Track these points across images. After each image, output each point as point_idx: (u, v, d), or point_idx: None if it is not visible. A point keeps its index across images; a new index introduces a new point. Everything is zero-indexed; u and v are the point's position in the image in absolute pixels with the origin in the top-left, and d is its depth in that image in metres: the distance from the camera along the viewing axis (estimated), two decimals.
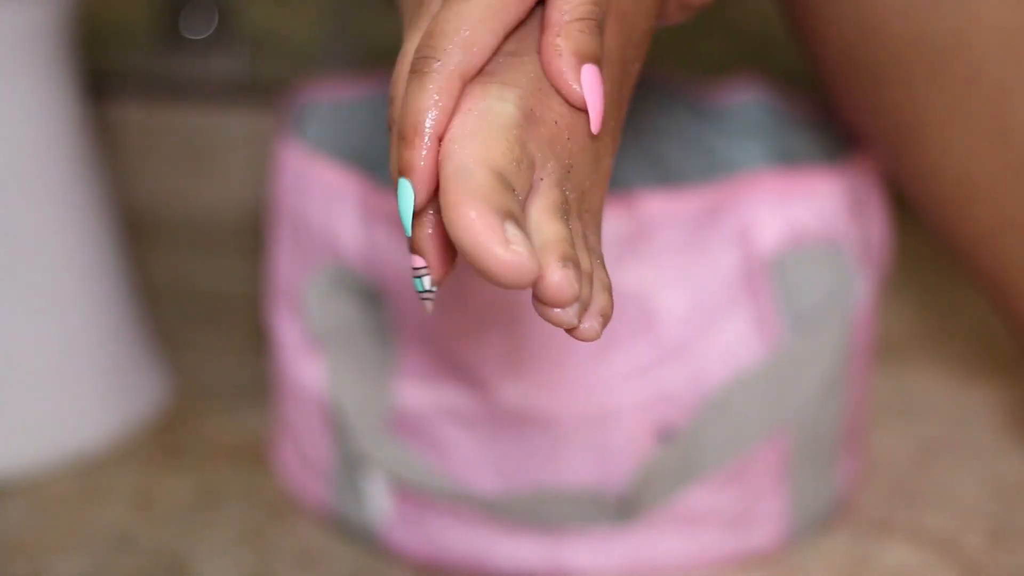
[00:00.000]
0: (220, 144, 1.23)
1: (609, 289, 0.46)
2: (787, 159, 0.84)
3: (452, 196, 0.43)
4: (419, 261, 0.46)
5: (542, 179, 0.45)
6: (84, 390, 0.85)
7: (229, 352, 0.98)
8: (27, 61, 0.81)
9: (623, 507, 0.72)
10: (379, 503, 0.75)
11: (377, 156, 0.86)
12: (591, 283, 0.46)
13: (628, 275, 0.71)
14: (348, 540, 0.77)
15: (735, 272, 0.72)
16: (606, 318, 0.45)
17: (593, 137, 0.48)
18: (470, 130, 0.44)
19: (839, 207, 0.74)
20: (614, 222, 0.70)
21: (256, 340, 0.97)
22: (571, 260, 0.44)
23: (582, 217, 0.47)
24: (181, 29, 1.26)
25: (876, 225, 0.78)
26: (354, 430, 0.74)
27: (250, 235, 1.17)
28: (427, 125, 0.45)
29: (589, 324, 0.45)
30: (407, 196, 0.45)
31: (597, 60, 0.47)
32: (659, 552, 0.74)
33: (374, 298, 0.74)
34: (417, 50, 0.46)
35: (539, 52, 0.47)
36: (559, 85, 0.46)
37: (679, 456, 0.71)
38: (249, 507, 0.80)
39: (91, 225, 0.86)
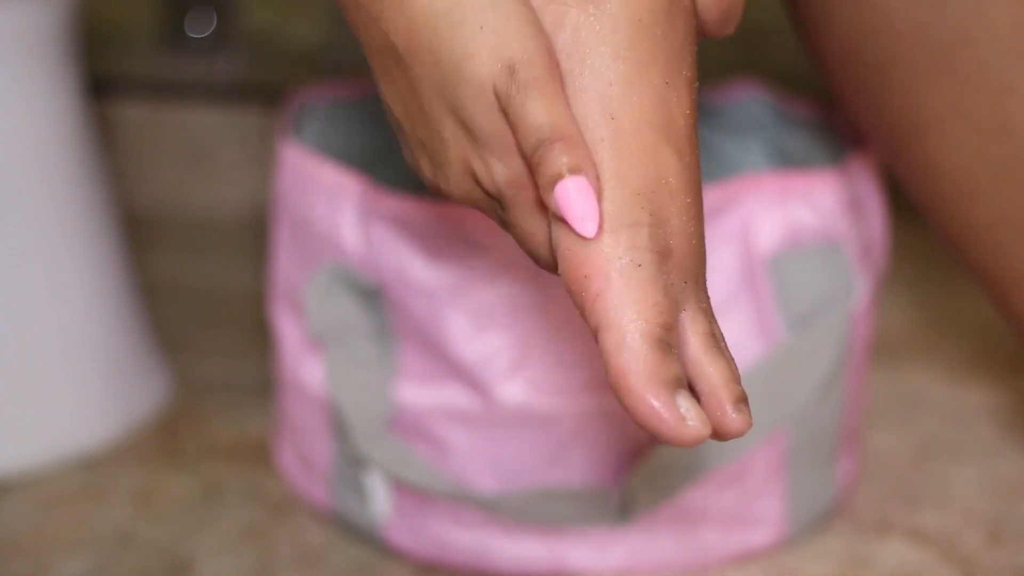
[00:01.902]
0: (220, 144, 1.23)
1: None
2: (787, 159, 0.84)
3: (623, 380, 0.45)
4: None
5: (685, 310, 0.47)
6: (85, 389, 0.85)
7: (229, 352, 0.98)
8: (29, 61, 0.81)
9: (623, 507, 0.72)
10: (379, 502, 0.76)
11: (375, 156, 0.86)
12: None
13: None
14: (348, 539, 0.78)
15: (734, 271, 0.72)
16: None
17: (701, 222, 0.48)
18: (621, 296, 0.45)
19: (838, 206, 0.74)
20: None
21: (256, 340, 0.97)
22: (743, 400, 0.46)
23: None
24: (185, 29, 1.27)
25: (875, 224, 0.78)
26: (353, 429, 0.74)
27: (250, 235, 1.17)
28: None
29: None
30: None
31: (572, 171, 0.46)
32: (658, 552, 0.74)
33: (374, 297, 0.74)
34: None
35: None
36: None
37: (678, 456, 0.72)
38: (250, 506, 0.80)
39: (92, 224, 0.86)
